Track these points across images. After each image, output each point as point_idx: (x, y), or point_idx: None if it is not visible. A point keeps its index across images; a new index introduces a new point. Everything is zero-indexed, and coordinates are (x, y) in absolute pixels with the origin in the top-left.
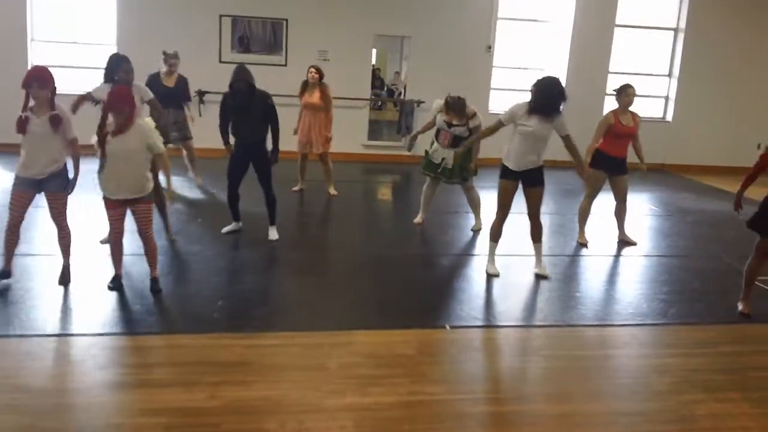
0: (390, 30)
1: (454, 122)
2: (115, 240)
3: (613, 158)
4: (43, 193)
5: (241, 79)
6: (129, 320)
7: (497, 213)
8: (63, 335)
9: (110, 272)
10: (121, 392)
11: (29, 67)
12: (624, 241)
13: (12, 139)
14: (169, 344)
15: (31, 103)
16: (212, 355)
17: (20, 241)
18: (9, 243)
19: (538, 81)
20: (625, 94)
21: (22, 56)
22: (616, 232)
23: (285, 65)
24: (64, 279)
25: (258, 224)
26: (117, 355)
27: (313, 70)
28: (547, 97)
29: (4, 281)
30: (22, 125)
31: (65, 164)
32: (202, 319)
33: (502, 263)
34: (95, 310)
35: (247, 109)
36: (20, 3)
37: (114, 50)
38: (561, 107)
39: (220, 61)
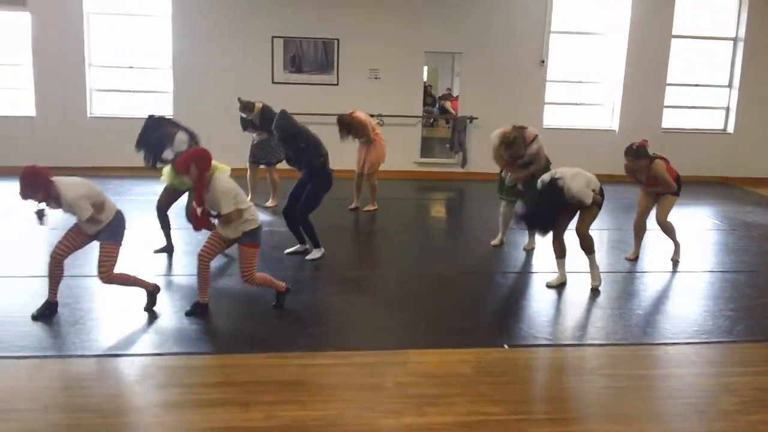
0: (441, 47)
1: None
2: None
3: None
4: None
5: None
6: (186, 340)
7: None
8: (122, 355)
9: (172, 292)
10: (179, 412)
11: (87, 94)
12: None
13: (69, 164)
14: (224, 364)
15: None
16: (267, 374)
17: (81, 264)
18: (53, 276)
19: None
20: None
21: (80, 81)
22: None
23: (336, 84)
24: (151, 303)
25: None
26: (174, 375)
27: None
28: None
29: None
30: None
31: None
32: (256, 339)
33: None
34: (153, 330)
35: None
36: (78, 29)
37: (170, 74)
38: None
39: (273, 82)
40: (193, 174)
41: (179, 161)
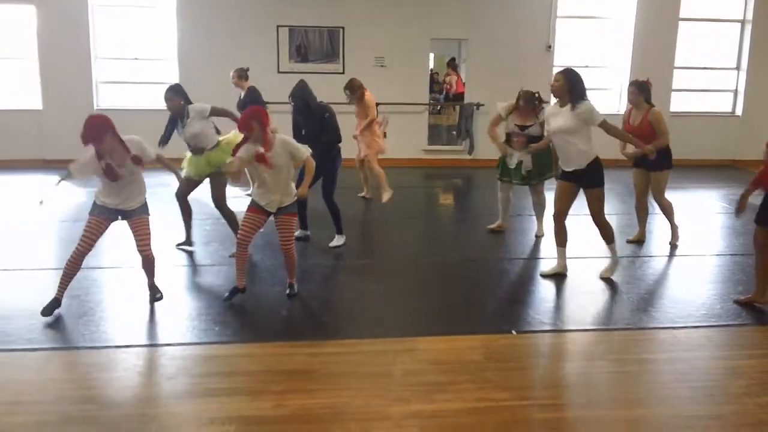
0: (447, 33)
1: (528, 123)
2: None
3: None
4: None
5: (296, 96)
6: (194, 330)
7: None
8: (131, 346)
9: (181, 283)
10: (190, 401)
11: (93, 87)
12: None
13: (77, 156)
14: (234, 353)
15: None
16: (277, 363)
17: (88, 256)
18: (69, 273)
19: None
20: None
21: (86, 73)
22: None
23: (342, 73)
24: (154, 296)
25: (319, 232)
26: (184, 365)
27: None
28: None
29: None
30: (112, 173)
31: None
32: (266, 328)
33: (569, 266)
34: (162, 321)
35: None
36: (83, 22)
37: (175, 65)
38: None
39: (279, 72)
40: (255, 130)
41: (240, 121)
